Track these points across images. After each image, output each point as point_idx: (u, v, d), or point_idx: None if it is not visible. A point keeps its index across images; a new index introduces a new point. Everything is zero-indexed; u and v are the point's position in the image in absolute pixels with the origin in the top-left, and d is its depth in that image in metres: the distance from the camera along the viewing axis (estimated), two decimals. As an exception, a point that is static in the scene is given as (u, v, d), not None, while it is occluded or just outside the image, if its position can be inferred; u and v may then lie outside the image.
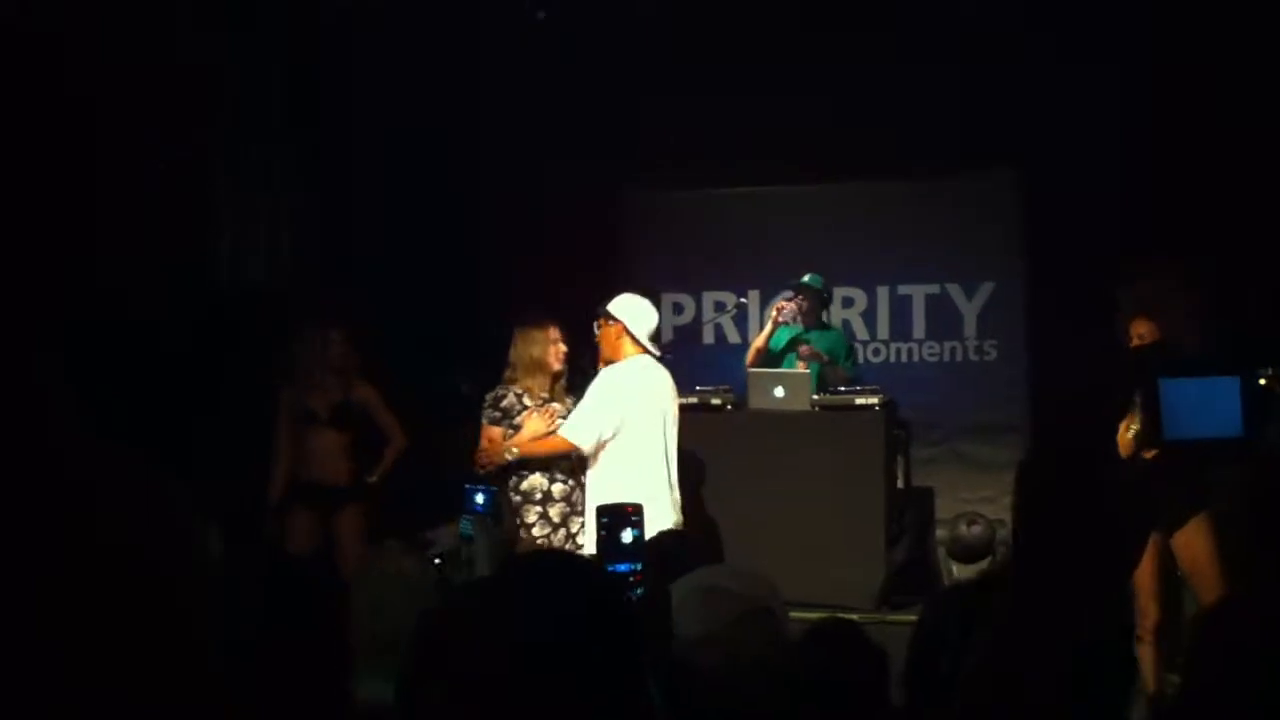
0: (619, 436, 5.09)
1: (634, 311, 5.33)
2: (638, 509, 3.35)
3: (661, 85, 7.59)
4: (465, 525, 4.11)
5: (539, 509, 5.38)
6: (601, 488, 5.03)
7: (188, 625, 0.97)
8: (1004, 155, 7.47)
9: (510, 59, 7.61)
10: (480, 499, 4.22)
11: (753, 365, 6.94)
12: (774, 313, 7.10)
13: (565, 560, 2.11)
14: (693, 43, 7.49)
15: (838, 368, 7.00)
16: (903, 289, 7.94)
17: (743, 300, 7.82)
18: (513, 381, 5.45)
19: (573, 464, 5.31)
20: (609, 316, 5.28)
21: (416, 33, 7.46)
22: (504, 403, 5.44)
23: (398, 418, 6.63)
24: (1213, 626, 2.30)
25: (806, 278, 7.13)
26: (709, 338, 8.09)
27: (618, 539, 3.24)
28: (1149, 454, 4.42)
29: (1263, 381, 5.98)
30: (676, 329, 8.04)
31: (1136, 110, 6.95)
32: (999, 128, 7.31)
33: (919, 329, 7.87)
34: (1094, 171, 7.01)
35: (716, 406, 6.60)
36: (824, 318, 7.27)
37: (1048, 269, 7.37)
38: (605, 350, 5.30)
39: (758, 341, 7.11)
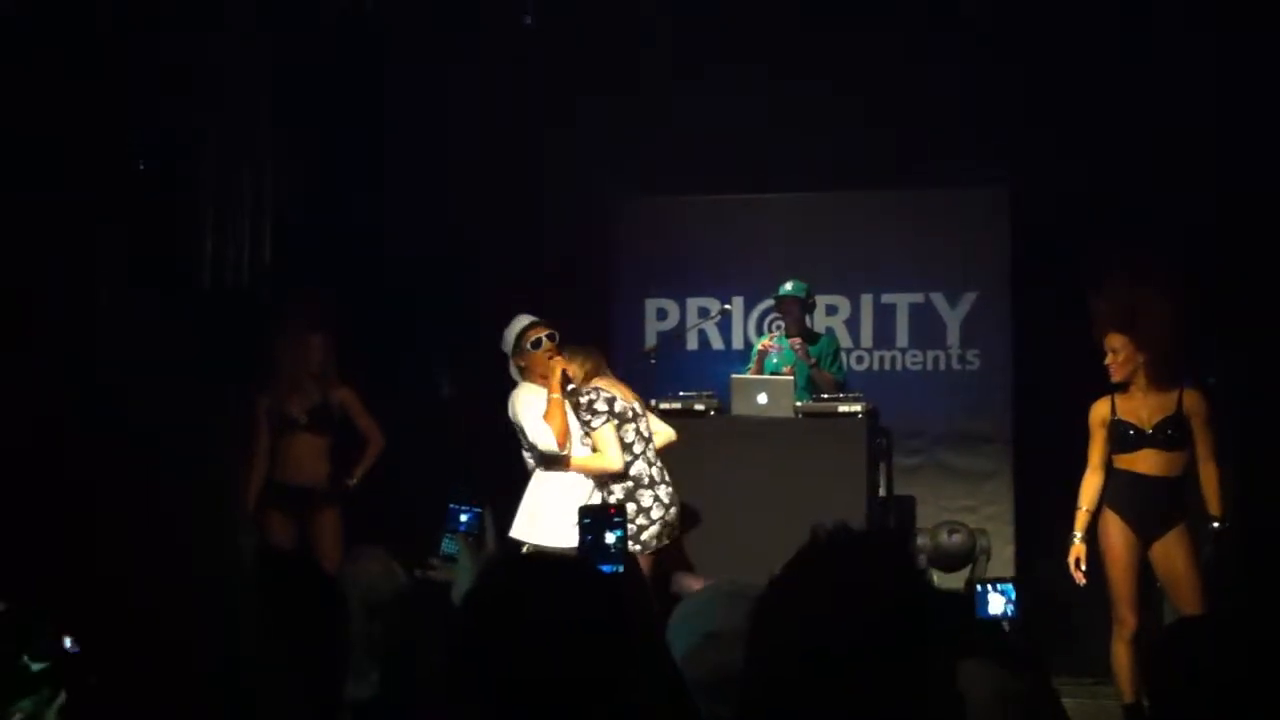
0: None
1: None
2: (621, 510, 3.37)
3: (651, 90, 7.60)
4: (448, 544, 4.09)
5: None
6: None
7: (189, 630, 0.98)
8: (992, 168, 7.50)
9: (499, 61, 7.62)
10: (464, 518, 4.20)
11: None
12: (759, 349, 7.14)
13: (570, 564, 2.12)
14: (682, 48, 7.50)
15: (824, 371, 7.03)
16: (886, 297, 7.96)
17: (727, 306, 7.83)
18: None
19: None
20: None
21: (408, 37, 7.46)
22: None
23: (378, 421, 6.64)
24: (1173, 644, 2.33)
25: (789, 285, 7.15)
26: (693, 343, 8.10)
27: (601, 540, 3.25)
28: (1126, 465, 4.44)
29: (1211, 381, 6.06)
30: (661, 334, 8.05)
31: (1128, 126, 6.98)
32: (988, 141, 7.34)
33: (902, 337, 7.89)
34: (1082, 187, 7.03)
35: (700, 412, 6.62)
36: (808, 323, 7.30)
37: (1032, 279, 7.41)
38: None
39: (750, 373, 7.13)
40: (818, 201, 7.95)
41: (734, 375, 6.78)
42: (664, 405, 6.58)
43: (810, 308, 7.31)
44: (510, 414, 5.83)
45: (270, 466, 6.46)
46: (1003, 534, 7.25)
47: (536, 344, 5.79)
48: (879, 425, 6.77)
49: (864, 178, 7.74)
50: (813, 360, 7.02)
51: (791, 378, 6.74)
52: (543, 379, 5.75)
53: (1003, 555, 7.08)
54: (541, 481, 5.77)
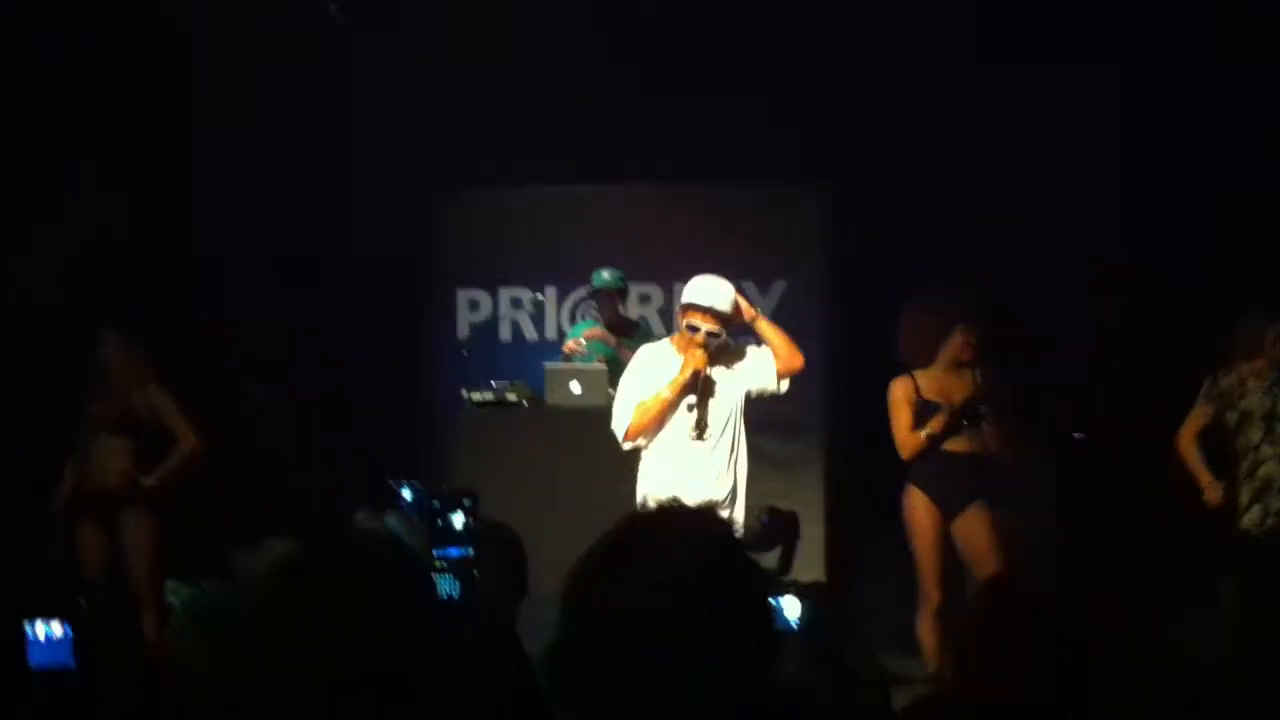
0: None
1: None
2: (471, 494, 3.30)
3: (464, 81, 7.52)
4: (389, 522, 4.03)
5: None
6: None
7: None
8: (806, 164, 7.64)
9: (310, 57, 7.43)
10: (407, 495, 4.11)
11: None
12: (565, 351, 7.08)
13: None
14: (495, 40, 7.43)
15: (628, 349, 7.04)
16: (699, 286, 8.02)
17: (539, 296, 7.81)
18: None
19: None
20: None
21: (224, 35, 7.24)
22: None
23: (193, 422, 6.42)
24: (982, 608, 2.40)
25: (606, 276, 7.15)
26: (506, 334, 8.05)
27: (449, 523, 3.19)
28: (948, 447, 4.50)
29: (1077, 436, 6.31)
30: (473, 326, 7.98)
31: (943, 133, 7.19)
32: (805, 138, 7.46)
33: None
34: (898, 187, 7.23)
35: (513, 403, 6.56)
36: (622, 310, 7.33)
37: (843, 270, 7.58)
38: None
39: None
40: (629, 192, 7.99)
41: (547, 364, 6.75)
42: (476, 396, 6.52)
43: (625, 295, 7.34)
44: None
45: (84, 470, 6.30)
46: (815, 518, 7.39)
47: (693, 329, 5.10)
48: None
49: (677, 169, 7.79)
50: (614, 340, 7.03)
51: (604, 366, 6.74)
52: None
53: (813, 536, 7.23)
54: (687, 461, 5.11)
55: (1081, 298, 7.02)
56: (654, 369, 5.20)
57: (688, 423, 5.12)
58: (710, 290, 5.14)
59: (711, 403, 5.13)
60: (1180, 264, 6.83)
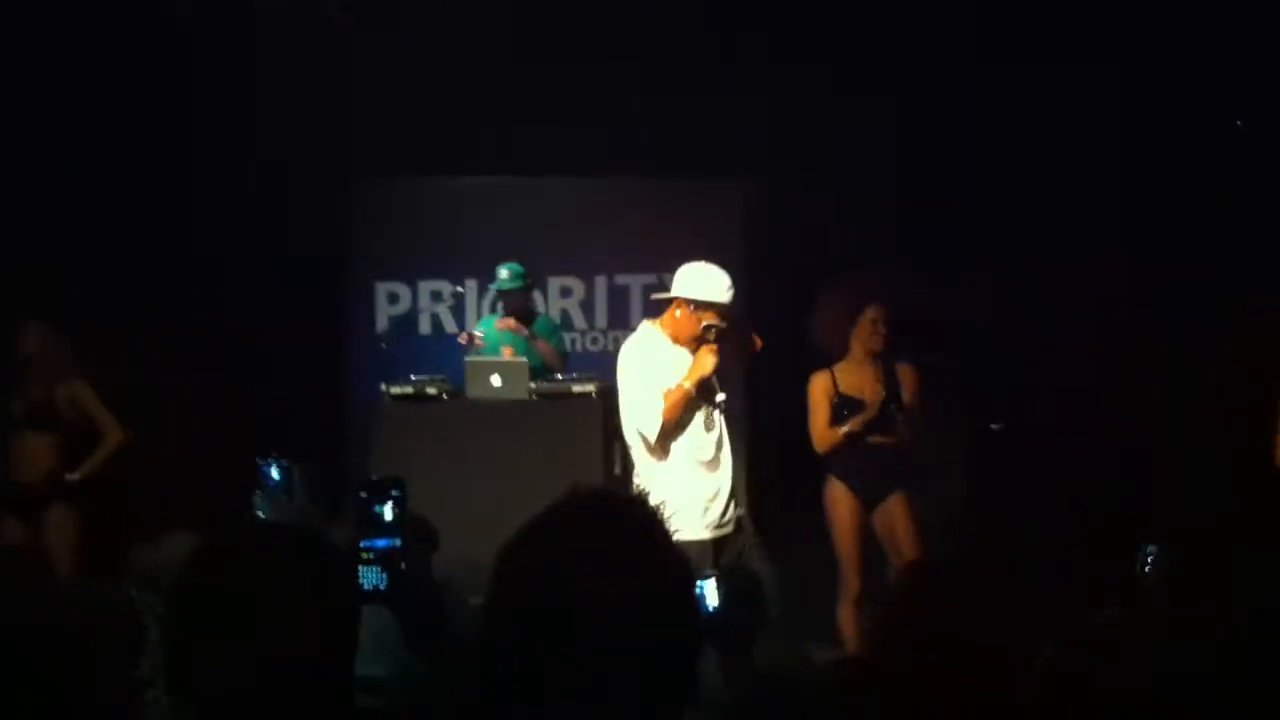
0: None
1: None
2: (399, 484, 3.27)
3: (384, 70, 7.45)
4: (258, 501, 4.01)
5: None
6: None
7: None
8: (725, 161, 7.67)
9: (232, 46, 7.31)
10: (274, 474, 4.09)
11: None
12: (461, 341, 7.05)
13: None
14: (419, 31, 7.37)
15: (542, 340, 7.00)
16: (620, 279, 8.05)
17: (459, 289, 7.76)
18: None
19: None
20: None
21: (137, 21, 7.10)
22: None
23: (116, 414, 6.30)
24: (905, 591, 2.42)
25: (504, 275, 7.06)
26: (426, 327, 8.00)
27: (378, 514, 3.17)
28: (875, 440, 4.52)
29: (994, 426, 6.35)
30: (392, 319, 7.93)
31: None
32: (725, 136, 7.48)
33: (636, 317, 7.96)
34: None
35: (433, 396, 6.52)
36: (539, 302, 7.30)
37: (762, 263, 7.62)
38: None
39: None
40: (550, 185, 7.97)
41: (468, 358, 6.72)
42: (395, 389, 6.47)
43: (531, 289, 7.26)
44: (620, 363, 5.30)
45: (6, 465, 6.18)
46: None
47: (707, 329, 5.12)
48: (615, 404, 6.81)
49: (597, 163, 7.79)
50: (526, 331, 6.98)
51: (525, 360, 6.72)
52: (684, 342, 5.19)
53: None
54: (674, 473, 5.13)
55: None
56: (659, 358, 5.23)
57: (700, 413, 5.19)
58: (724, 286, 5.21)
59: (718, 393, 5.22)
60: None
